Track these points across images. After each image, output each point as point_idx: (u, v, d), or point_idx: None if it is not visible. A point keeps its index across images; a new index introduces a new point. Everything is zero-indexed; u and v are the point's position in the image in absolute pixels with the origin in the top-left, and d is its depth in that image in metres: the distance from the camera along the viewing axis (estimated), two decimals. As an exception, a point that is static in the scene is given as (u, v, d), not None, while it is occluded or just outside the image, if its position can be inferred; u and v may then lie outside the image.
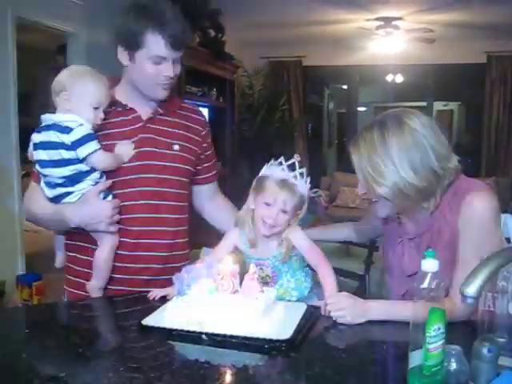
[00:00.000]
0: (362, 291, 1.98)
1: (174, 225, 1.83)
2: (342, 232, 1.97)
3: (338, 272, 1.77)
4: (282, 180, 1.58)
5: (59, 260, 1.84)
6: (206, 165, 1.98)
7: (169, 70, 1.71)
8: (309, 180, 1.63)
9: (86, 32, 4.83)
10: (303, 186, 1.61)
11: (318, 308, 1.51)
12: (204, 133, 1.94)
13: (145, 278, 1.78)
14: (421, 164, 1.44)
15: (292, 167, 1.59)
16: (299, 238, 1.63)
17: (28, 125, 4.01)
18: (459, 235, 1.47)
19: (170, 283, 1.54)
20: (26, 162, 4.40)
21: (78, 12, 4.76)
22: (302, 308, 1.49)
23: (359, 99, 9.84)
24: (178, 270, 1.53)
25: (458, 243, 1.47)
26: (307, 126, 9.26)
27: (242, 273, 1.46)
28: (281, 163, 1.60)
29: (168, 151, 1.81)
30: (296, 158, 1.60)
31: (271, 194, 1.58)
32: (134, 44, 1.68)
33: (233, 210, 1.99)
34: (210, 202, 2.05)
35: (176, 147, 1.82)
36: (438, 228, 1.53)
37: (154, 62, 1.69)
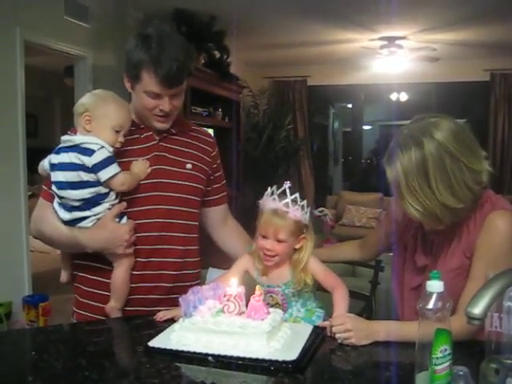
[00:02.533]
0: (368, 311, 1.97)
1: (184, 243, 1.84)
2: (348, 251, 1.97)
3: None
4: (272, 210, 1.60)
5: (65, 275, 1.84)
6: (215, 186, 1.99)
7: (164, 105, 1.73)
8: (305, 203, 1.63)
9: (93, 55, 4.89)
10: (297, 211, 1.60)
11: (323, 329, 1.50)
12: (214, 153, 1.97)
13: (156, 296, 1.78)
14: (457, 184, 1.41)
15: (283, 194, 1.60)
16: (312, 262, 1.65)
17: (33, 145, 4.06)
18: (476, 249, 1.46)
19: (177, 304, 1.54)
20: (32, 184, 4.45)
21: (85, 35, 4.83)
22: (308, 329, 1.49)
23: (364, 118, 9.89)
24: (190, 288, 1.52)
25: (472, 258, 1.46)
26: (312, 145, 9.30)
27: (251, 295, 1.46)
28: (272, 193, 1.61)
29: (181, 170, 1.84)
30: (286, 185, 1.60)
31: (264, 226, 1.61)
32: (133, 76, 1.72)
33: (244, 236, 2.02)
34: (221, 227, 2.04)
35: (189, 166, 1.85)
36: (458, 233, 1.51)
37: (150, 96, 1.72)
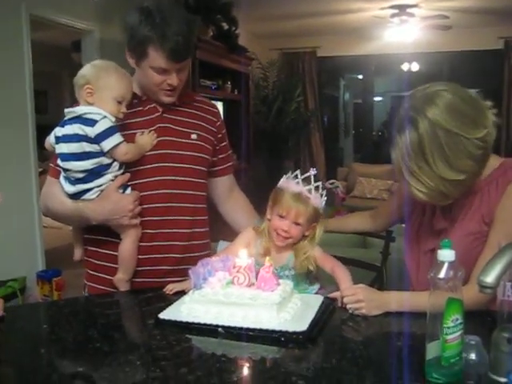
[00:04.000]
0: (379, 282, 1.96)
1: (192, 214, 1.84)
2: (359, 222, 1.95)
3: (355, 263, 1.77)
4: (296, 193, 1.60)
5: (78, 253, 1.85)
6: (221, 156, 1.98)
7: (172, 79, 1.73)
8: (324, 193, 1.65)
9: (100, 29, 4.85)
10: (317, 199, 1.62)
11: (334, 300, 1.50)
12: (218, 123, 1.95)
13: (165, 268, 1.78)
14: (455, 156, 1.38)
15: (308, 180, 1.61)
16: (315, 250, 1.66)
17: (43, 122, 4.06)
18: (495, 216, 1.44)
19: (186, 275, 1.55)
20: (43, 160, 4.47)
21: (92, 9, 4.78)
22: (318, 300, 1.49)
23: (375, 89, 9.77)
24: (199, 259, 1.53)
25: (491, 224, 1.45)
26: (323, 117, 9.23)
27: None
28: (296, 176, 1.62)
29: (186, 140, 1.83)
30: (311, 172, 1.61)
31: (285, 207, 1.61)
32: (138, 53, 1.70)
33: (249, 210, 2.02)
34: (228, 198, 2.04)
35: (194, 136, 1.84)
36: (479, 197, 1.49)
37: (157, 72, 1.71)
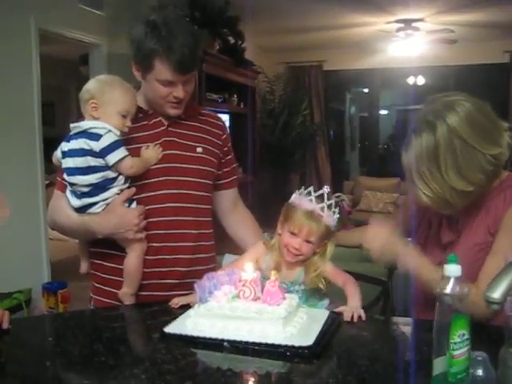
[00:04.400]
0: (385, 297, 1.96)
1: (198, 227, 1.84)
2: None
3: (361, 277, 1.75)
4: (308, 211, 1.59)
5: (84, 266, 1.85)
6: (226, 169, 1.99)
7: (178, 92, 1.73)
8: (337, 211, 1.64)
9: (107, 43, 4.90)
10: (330, 217, 1.61)
11: (340, 314, 1.49)
12: (224, 137, 1.96)
13: (171, 281, 1.78)
14: (467, 168, 1.39)
15: (321, 198, 1.60)
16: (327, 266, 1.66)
17: (51, 134, 4.09)
18: (501, 225, 1.44)
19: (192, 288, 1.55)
20: (49, 173, 4.49)
21: (99, 23, 4.83)
22: (324, 314, 1.48)
23: (381, 102, 9.78)
24: (204, 272, 1.52)
25: (496, 234, 1.45)
26: (329, 131, 9.24)
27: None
28: (309, 193, 1.61)
29: (191, 154, 1.84)
30: (325, 190, 1.61)
31: (297, 224, 1.59)
32: (144, 66, 1.71)
33: (253, 226, 2.03)
34: (231, 212, 2.04)
35: (199, 149, 1.85)
36: (485, 209, 1.49)
37: (163, 84, 1.71)
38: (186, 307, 1.56)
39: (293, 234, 1.60)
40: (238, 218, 2.04)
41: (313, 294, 1.63)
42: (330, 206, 1.61)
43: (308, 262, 1.64)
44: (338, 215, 1.64)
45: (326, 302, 1.64)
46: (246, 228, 2.01)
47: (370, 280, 2.02)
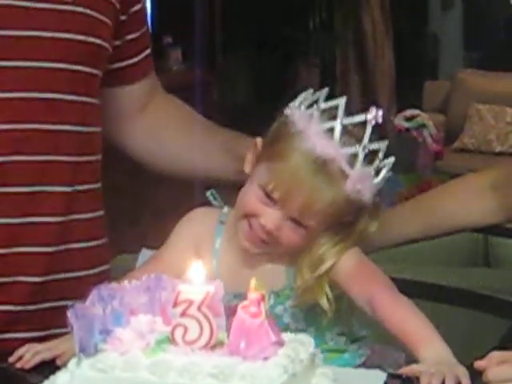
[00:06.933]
0: None
1: (71, 179, 0.98)
2: (464, 204, 1.08)
3: (463, 299, 0.90)
4: (319, 159, 0.80)
5: None
6: (130, 37, 1.08)
7: None
8: (386, 167, 0.83)
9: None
10: (365, 178, 0.82)
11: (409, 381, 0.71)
12: None
13: (8, 308, 0.94)
14: None
15: (356, 132, 0.81)
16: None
17: None
18: None
19: (59, 322, 0.76)
20: None
21: None
22: (374, 381, 0.69)
23: None
24: (87, 284, 0.79)
25: None
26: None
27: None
28: (333, 115, 0.81)
29: (47, 4, 0.94)
30: (373, 114, 0.80)
31: (283, 181, 0.82)
32: None
33: (201, 128, 1.14)
34: (141, 113, 1.15)
35: None
36: None
37: None
38: (47, 367, 0.77)
39: (269, 197, 0.83)
40: (158, 115, 1.14)
41: (333, 324, 0.85)
42: (372, 156, 0.81)
43: (304, 254, 0.86)
44: (385, 175, 0.84)
45: (363, 349, 0.85)
46: (187, 134, 1.11)
47: (486, 305, 1.10)
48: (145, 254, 1.39)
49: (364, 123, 0.81)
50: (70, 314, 0.67)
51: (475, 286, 1.27)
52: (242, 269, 0.88)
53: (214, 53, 3.55)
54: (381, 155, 0.82)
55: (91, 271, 1.00)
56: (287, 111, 0.84)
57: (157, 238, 1.04)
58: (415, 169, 2.96)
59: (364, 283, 0.83)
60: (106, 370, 0.64)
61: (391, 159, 0.83)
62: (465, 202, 1.03)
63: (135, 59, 1.10)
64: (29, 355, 0.79)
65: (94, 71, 1.00)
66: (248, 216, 0.84)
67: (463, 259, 1.77)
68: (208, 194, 0.92)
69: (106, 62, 1.03)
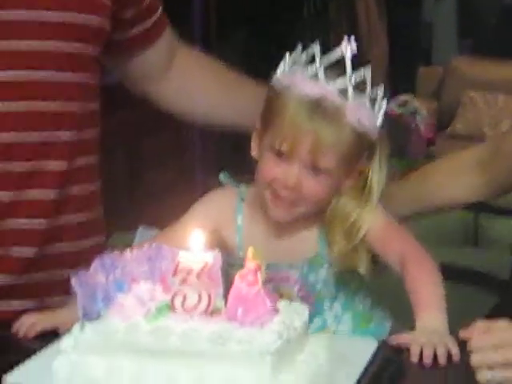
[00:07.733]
0: (508, 313, 1.02)
1: (68, 153, 0.98)
2: (457, 182, 1.12)
3: (457, 275, 0.96)
4: (313, 100, 0.84)
5: None
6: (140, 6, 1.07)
7: None
8: (381, 91, 0.87)
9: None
10: (363, 109, 0.85)
11: (400, 351, 0.75)
12: None
13: (3, 281, 0.96)
14: None
15: (338, 68, 0.84)
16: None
17: None
18: None
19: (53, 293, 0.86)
20: None
21: None
22: (366, 349, 0.74)
23: None
24: (86, 254, 0.88)
25: None
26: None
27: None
28: (312, 60, 0.85)
29: None
30: (348, 45, 0.83)
31: (287, 132, 0.84)
32: None
33: (228, 78, 1.17)
34: (173, 79, 1.15)
35: None
36: None
37: None
38: (48, 336, 0.79)
39: (280, 154, 0.85)
40: (187, 67, 1.16)
41: (359, 288, 0.90)
42: (361, 84, 0.85)
43: (330, 214, 0.88)
44: (383, 107, 0.87)
45: (387, 324, 0.89)
46: (212, 76, 1.14)
47: (476, 280, 1.18)
48: (142, 232, 1.42)
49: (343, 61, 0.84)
50: (73, 281, 0.70)
51: (465, 264, 1.32)
52: (269, 241, 0.89)
53: (208, 35, 3.57)
54: (368, 81, 0.85)
55: (85, 242, 1.02)
56: (273, 77, 0.88)
57: (153, 217, 1.08)
58: (408, 154, 2.98)
59: (395, 243, 0.86)
60: (109, 334, 0.67)
61: (381, 86, 0.87)
62: (453, 176, 1.05)
63: (148, 24, 1.09)
64: (29, 323, 0.81)
65: (92, 50, 1.00)
66: (269, 183, 0.86)
67: (453, 240, 1.83)
68: (220, 176, 0.94)
69: (104, 41, 1.03)
